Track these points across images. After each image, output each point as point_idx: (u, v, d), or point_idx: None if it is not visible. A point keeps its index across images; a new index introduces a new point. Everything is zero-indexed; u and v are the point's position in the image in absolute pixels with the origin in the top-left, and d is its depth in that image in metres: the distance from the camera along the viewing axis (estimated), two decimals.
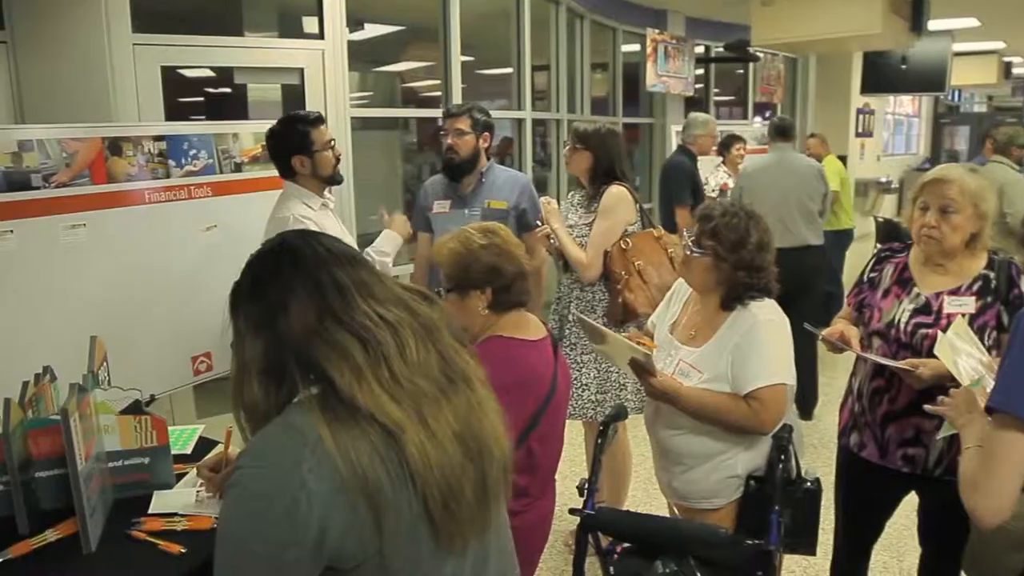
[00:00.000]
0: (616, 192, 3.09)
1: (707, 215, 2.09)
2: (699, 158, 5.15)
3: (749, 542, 1.88)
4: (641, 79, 7.15)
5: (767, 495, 2.03)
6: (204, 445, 1.96)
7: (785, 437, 2.05)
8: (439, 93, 5.26)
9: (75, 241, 2.60)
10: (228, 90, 4.37)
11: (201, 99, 4.52)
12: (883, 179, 11.50)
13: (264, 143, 2.86)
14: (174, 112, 3.70)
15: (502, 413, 1.24)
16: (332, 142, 2.77)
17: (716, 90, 8.75)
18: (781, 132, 4.86)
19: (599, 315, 3.09)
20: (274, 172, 3.15)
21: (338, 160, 2.80)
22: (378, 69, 5.97)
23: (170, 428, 2.15)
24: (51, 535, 1.52)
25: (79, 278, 2.63)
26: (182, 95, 4.11)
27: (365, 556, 1.05)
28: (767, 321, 2.05)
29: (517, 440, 1.86)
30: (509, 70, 5.86)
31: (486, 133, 3.36)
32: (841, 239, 6.40)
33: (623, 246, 3.06)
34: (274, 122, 2.78)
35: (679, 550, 1.98)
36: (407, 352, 1.13)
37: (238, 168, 3.08)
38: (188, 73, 4.05)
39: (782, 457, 2.01)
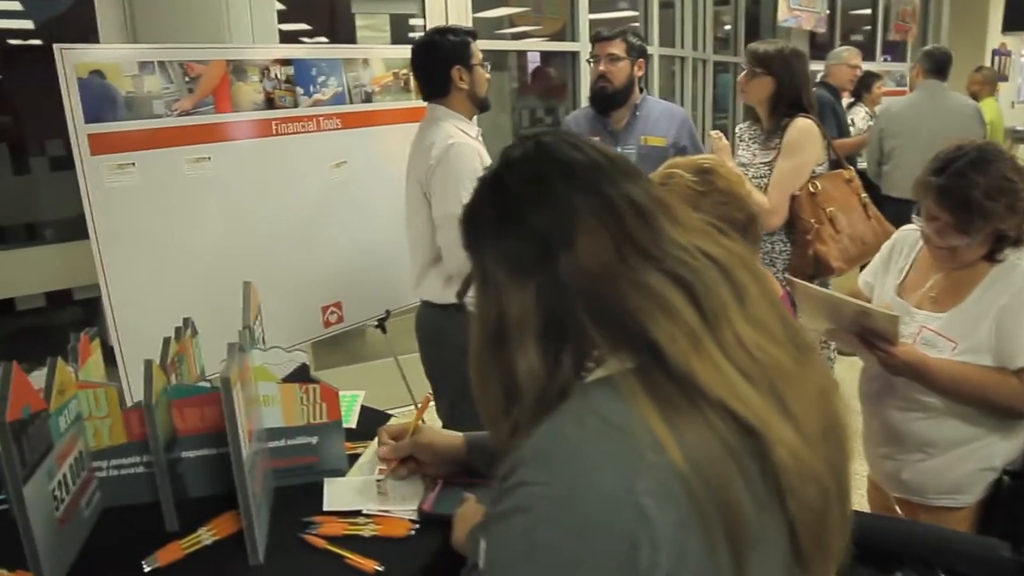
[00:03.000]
0: (803, 126, 2.64)
1: (958, 197, 1.60)
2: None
3: None
4: (766, 14, 6.54)
5: None
6: (370, 417, 1.61)
7: None
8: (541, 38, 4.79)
9: (199, 176, 2.30)
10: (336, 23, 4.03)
11: (309, 27, 4.19)
12: (1019, 127, 10.49)
13: (395, 72, 2.49)
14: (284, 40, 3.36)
15: None
16: (484, 61, 2.39)
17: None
18: (939, 68, 4.22)
19: (779, 269, 2.66)
20: (408, 103, 2.81)
21: (489, 83, 2.42)
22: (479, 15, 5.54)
23: None
24: (206, 536, 1.21)
25: (203, 217, 2.34)
26: (288, 23, 3.79)
27: None
28: None
29: None
30: (630, 12, 5.35)
31: (641, 60, 2.96)
32: None
33: (812, 190, 2.61)
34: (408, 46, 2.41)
35: (922, 559, 1.58)
36: (748, 304, 0.75)
37: (368, 98, 2.72)
38: None
39: None
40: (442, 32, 2.35)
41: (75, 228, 3.75)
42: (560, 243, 0.75)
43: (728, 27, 6.74)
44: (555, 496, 0.66)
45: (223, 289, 2.35)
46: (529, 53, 5.49)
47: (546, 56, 5.51)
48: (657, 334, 0.70)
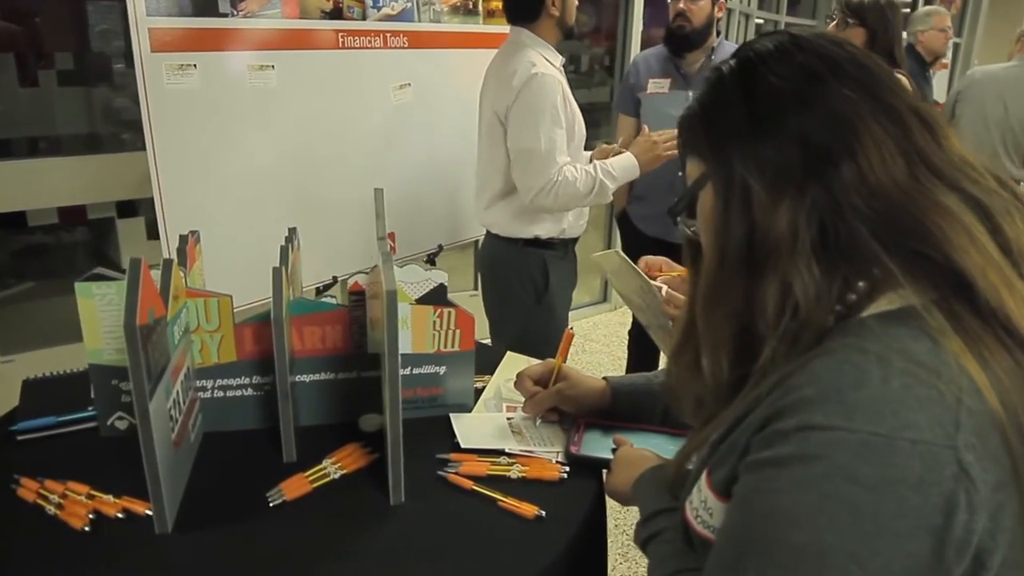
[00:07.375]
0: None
1: None
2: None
3: None
4: None
5: None
6: (487, 353, 1.47)
7: None
8: None
9: (263, 85, 2.11)
10: None
11: None
12: None
13: None
14: None
15: None
16: None
17: None
18: None
19: None
20: (476, 27, 2.64)
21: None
22: None
23: None
24: (331, 468, 1.07)
25: (261, 130, 2.16)
26: None
27: None
28: None
29: None
30: None
31: (721, 1, 2.78)
32: None
33: None
34: None
35: None
36: None
37: (436, 18, 2.53)
38: None
39: None
40: None
41: (85, 144, 3.56)
42: (839, 151, 0.62)
43: None
44: (859, 443, 0.54)
45: (279, 207, 2.20)
46: None
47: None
48: (966, 264, 0.59)
